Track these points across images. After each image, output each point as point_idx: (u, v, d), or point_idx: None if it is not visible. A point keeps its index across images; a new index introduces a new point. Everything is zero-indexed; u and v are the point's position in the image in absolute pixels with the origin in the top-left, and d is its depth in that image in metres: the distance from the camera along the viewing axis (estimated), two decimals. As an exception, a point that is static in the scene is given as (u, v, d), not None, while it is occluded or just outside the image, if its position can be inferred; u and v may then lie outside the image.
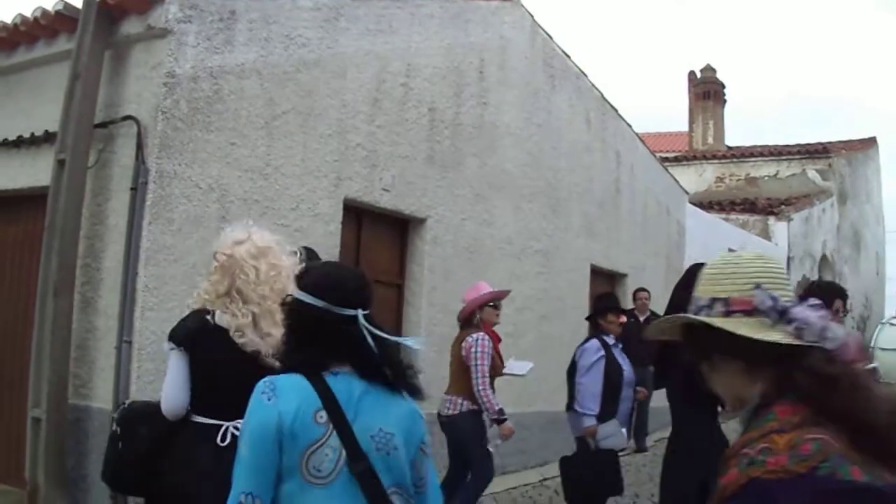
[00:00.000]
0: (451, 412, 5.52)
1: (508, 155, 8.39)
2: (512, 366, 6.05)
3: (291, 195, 5.96)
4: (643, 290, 9.53)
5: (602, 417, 5.43)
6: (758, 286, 1.36)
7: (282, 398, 1.88)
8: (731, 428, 3.76)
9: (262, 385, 1.92)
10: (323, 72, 6.25)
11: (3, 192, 6.02)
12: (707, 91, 21.65)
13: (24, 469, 5.18)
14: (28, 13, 5.73)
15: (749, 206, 16.65)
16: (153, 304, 5.02)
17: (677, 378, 3.84)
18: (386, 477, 1.90)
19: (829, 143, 18.87)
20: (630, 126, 10.95)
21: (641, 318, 8.84)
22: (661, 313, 5.08)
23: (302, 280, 2.08)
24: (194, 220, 5.25)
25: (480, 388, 5.36)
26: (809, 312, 1.32)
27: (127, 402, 3.65)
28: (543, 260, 8.91)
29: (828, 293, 4.96)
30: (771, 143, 19.85)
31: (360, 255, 6.93)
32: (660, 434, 9.46)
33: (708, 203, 16.45)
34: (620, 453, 5.71)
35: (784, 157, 18.37)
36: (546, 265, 8.95)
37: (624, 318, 5.99)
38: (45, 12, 5.60)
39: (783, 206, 16.38)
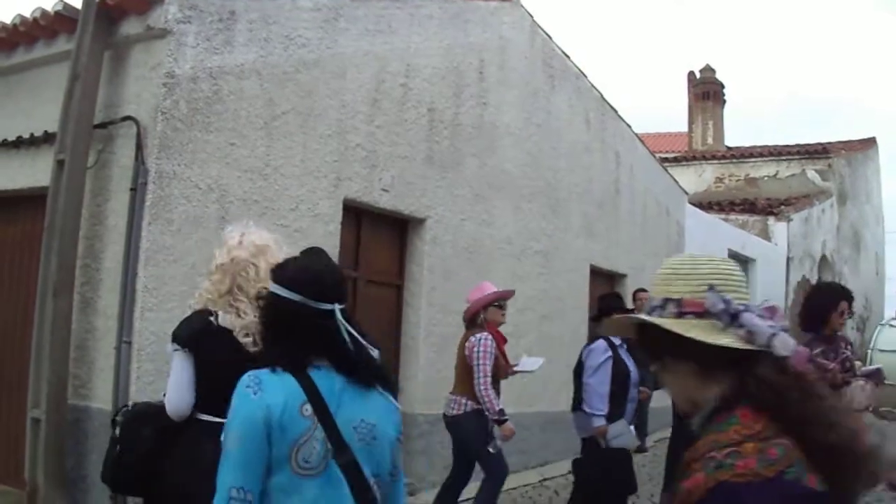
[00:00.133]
0: (455, 412, 5.53)
1: (508, 155, 8.39)
2: (524, 363, 6.06)
3: (291, 195, 5.96)
4: (643, 290, 9.51)
5: (610, 418, 5.44)
6: (711, 288, 1.33)
7: (268, 392, 1.88)
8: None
9: (246, 379, 1.92)
10: (322, 72, 6.25)
11: (2, 193, 6.02)
12: (706, 91, 21.67)
13: (23, 469, 5.18)
14: (27, 13, 5.73)
15: (748, 207, 16.65)
16: (153, 305, 5.01)
17: None
18: (367, 466, 1.94)
19: (829, 143, 18.88)
20: (629, 126, 10.95)
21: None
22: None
23: (277, 273, 2.08)
24: (194, 221, 5.25)
25: (482, 387, 5.37)
26: (759, 320, 1.30)
27: (130, 404, 3.66)
28: (543, 260, 8.91)
29: (833, 295, 4.97)
30: (770, 143, 19.89)
31: (360, 255, 6.93)
32: (660, 434, 9.47)
33: (707, 203, 16.45)
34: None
35: (783, 158, 18.38)
36: (546, 265, 8.95)
37: None
38: (44, 13, 5.60)
39: (783, 207, 16.38)
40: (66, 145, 5.19)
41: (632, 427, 5.60)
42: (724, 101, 22.15)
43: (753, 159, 18.70)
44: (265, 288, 2.13)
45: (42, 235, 5.26)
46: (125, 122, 5.22)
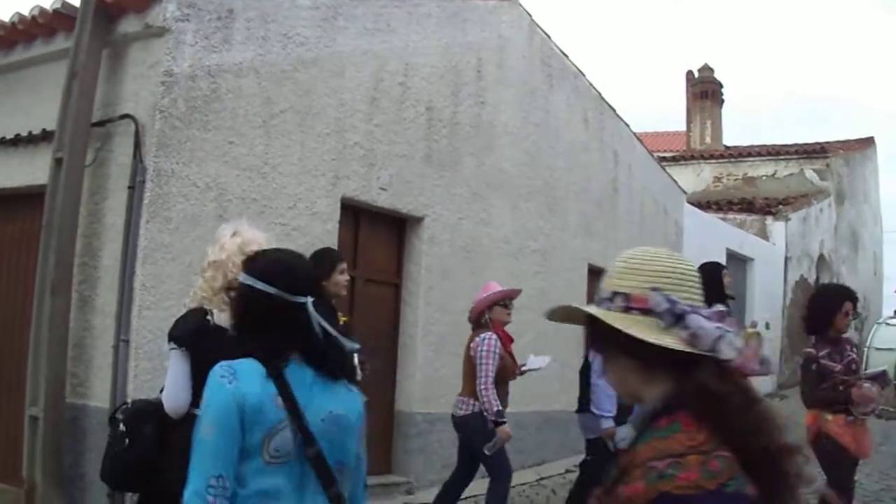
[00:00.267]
0: (463, 412, 5.53)
1: (506, 154, 8.40)
2: (532, 361, 6.05)
3: (289, 194, 5.96)
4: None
5: (618, 419, 5.44)
6: (656, 287, 1.30)
7: (242, 381, 1.91)
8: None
9: (220, 369, 1.94)
10: (321, 71, 6.25)
11: (0, 191, 6.02)
12: (705, 90, 21.66)
13: (21, 468, 5.18)
14: (26, 11, 5.74)
15: (747, 206, 16.66)
16: (150, 303, 5.02)
17: None
18: (332, 456, 1.97)
19: (827, 142, 18.89)
20: (628, 125, 10.96)
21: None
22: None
23: (251, 265, 2.09)
24: (192, 219, 5.25)
25: (482, 387, 5.36)
26: (705, 321, 1.27)
27: (129, 401, 3.67)
28: (541, 259, 8.92)
29: (836, 296, 4.97)
30: (768, 142, 19.87)
31: (358, 254, 6.93)
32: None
33: (706, 203, 16.47)
34: None
35: (782, 157, 18.39)
36: (543, 265, 8.96)
37: None
38: (42, 11, 5.60)
39: (781, 206, 16.40)
40: (64, 143, 5.20)
41: None
42: (723, 101, 22.15)
43: (751, 159, 18.71)
44: (236, 279, 2.14)
45: (40, 233, 5.27)
46: (123, 121, 5.23)
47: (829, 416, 4.62)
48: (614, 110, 10.60)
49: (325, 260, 4.57)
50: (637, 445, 1.28)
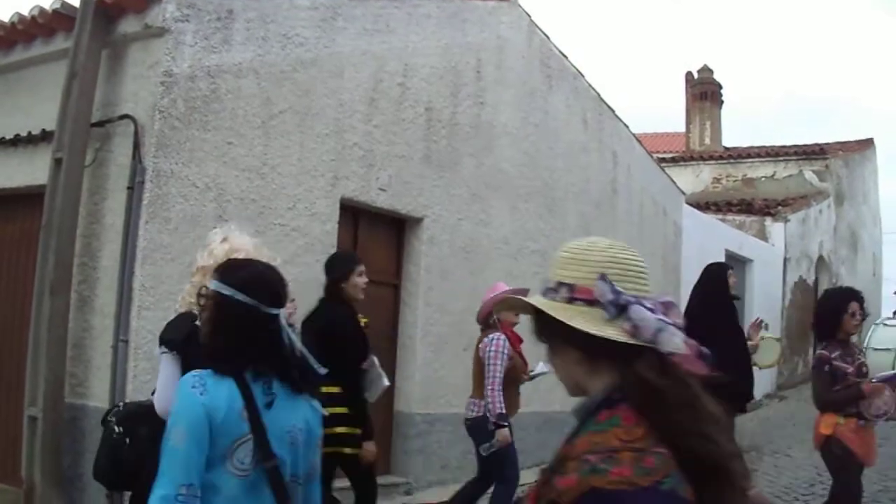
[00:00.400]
0: (474, 415, 5.52)
1: (505, 155, 8.40)
2: (540, 367, 6.02)
3: (288, 194, 5.96)
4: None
5: None
6: (602, 276, 1.28)
7: (212, 393, 1.93)
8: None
9: (191, 379, 1.96)
10: (320, 71, 6.26)
11: (0, 191, 6.02)
12: (704, 91, 21.64)
13: (20, 468, 5.18)
14: (26, 12, 5.74)
15: (746, 207, 16.65)
16: (149, 304, 5.02)
17: None
18: (290, 468, 2.01)
19: (826, 143, 18.89)
20: (627, 126, 10.96)
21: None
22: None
23: (225, 274, 2.08)
24: (191, 220, 5.26)
25: (489, 387, 5.34)
26: (648, 314, 1.25)
27: (120, 404, 3.68)
28: (540, 260, 8.91)
29: (842, 297, 4.97)
30: (768, 143, 19.88)
31: (357, 254, 6.92)
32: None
33: (705, 204, 16.46)
34: None
35: (781, 158, 18.39)
36: (543, 265, 8.95)
37: None
38: (42, 11, 5.60)
39: (780, 207, 16.39)
40: (63, 143, 5.20)
41: None
42: (722, 102, 22.13)
43: (751, 160, 18.72)
44: (205, 286, 2.14)
45: (39, 234, 5.27)
46: (123, 121, 5.23)
47: (842, 420, 4.60)
48: (613, 111, 10.60)
49: (343, 263, 4.59)
50: (575, 437, 1.26)
